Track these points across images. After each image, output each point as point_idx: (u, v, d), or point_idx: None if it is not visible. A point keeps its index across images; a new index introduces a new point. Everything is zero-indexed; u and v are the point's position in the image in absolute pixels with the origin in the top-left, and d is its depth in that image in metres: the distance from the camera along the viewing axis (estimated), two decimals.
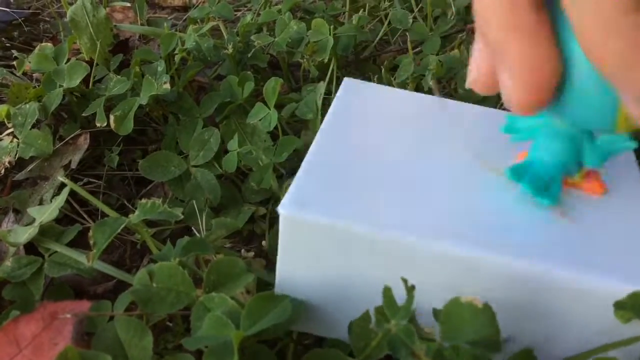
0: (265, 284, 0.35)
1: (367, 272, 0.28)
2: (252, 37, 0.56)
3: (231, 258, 0.29)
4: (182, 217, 0.32)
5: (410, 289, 0.24)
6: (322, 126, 0.34)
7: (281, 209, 0.28)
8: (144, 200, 0.31)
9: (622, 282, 0.25)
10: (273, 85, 0.48)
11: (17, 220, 0.43)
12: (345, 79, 0.40)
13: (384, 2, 0.67)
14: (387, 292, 0.25)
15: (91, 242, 0.30)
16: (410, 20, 0.57)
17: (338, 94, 0.38)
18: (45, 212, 0.36)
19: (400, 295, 0.25)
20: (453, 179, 0.31)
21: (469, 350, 0.22)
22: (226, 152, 0.47)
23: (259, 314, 0.26)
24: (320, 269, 0.29)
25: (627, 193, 0.31)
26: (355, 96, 0.38)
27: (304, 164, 0.31)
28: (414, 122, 0.36)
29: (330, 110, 0.36)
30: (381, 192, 0.29)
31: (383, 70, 0.51)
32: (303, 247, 0.28)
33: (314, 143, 0.33)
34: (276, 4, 0.65)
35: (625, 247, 0.27)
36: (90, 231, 0.30)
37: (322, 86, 0.48)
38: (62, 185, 0.47)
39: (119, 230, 0.30)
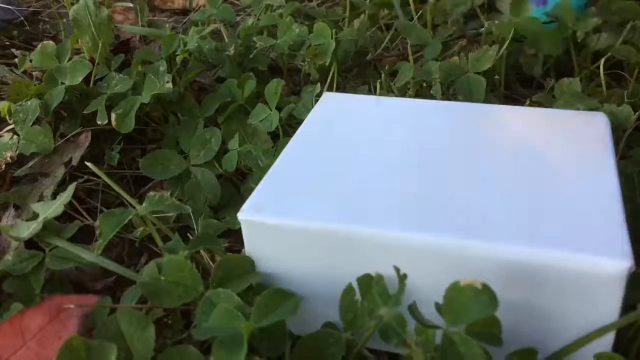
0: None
1: (330, 271, 0.29)
2: (254, 39, 0.56)
3: (240, 255, 0.29)
4: (190, 210, 0.32)
5: (402, 278, 0.24)
6: (295, 136, 0.36)
7: (240, 215, 0.29)
8: (152, 193, 0.32)
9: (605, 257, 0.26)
10: (275, 87, 0.48)
11: (17, 216, 0.43)
12: (325, 93, 0.42)
13: (383, 10, 0.67)
14: (379, 280, 0.25)
15: (97, 232, 0.30)
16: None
17: (316, 105, 0.40)
18: (49, 208, 0.36)
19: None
20: (416, 172, 0.32)
21: (472, 335, 0.23)
22: (226, 152, 0.47)
23: (269, 308, 0.26)
24: (288, 272, 0.30)
25: (598, 172, 0.32)
26: (332, 108, 0.39)
27: (269, 172, 0.32)
28: (384, 125, 0.37)
29: (305, 120, 0.38)
30: (342, 193, 0.30)
31: (383, 75, 0.52)
32: (268, 252, 0.30)
33: (282, 152, 0.34)
34: (276, 9, 0.66)
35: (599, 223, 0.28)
36: (97, 221, 0.31)
37: (319, 87, 0.48)
38: (63, 182, 0.47)
39: (126, 221, 0.30)
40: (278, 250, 0.29)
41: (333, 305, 0.29)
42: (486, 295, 0.23)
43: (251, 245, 0.30)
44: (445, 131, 0.36)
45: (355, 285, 0.28)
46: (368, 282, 0.25)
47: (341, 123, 0.37)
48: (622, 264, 0.25)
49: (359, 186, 0.31)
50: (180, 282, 0.28)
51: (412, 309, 0.25)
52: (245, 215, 0.29)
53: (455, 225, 0.27)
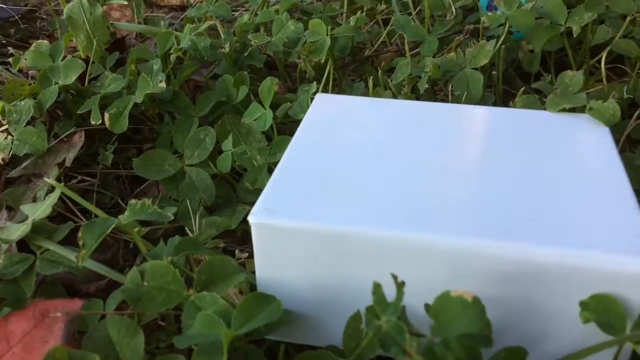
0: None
1: (343, 273, 0.28)
2: (249, 36, 0.56)
3: (223, 257, 0.29)
4: (173, 217, 0.31)
5: (400, 285, 0.24)
6: (294, 138, 0.36)
7: (251, 218, 0.28)
8: (133, 201, 0.31)
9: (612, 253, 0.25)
10: (269, 85, 0.47)
11: (10, 218, 0.43)
12: (318, 94, 0.41)
13: (381, 5, 0.67)
14: (376, 288, 0.25)
15: (80, 243, 0.30)
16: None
17: (310, 107, 0.39)
18: (38, 210, 0.36)
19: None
20: (422, 174, 0.31)
21: (459, 344, 0.22)
22: (221, 152, 0.47)
23: (250, 314, 0.25)
24: (299, 275, 0.29)
25: (601, 170, 0.31)
26: (327, 109, 0.39)
27: (274, 173, 0.32)
28: (382, 127, 0.37)
29: (302, 122, 0.37)
30: (351, 194, 0.30)
31: (380, 72, 0.51)
32: (279, 255, 0.29)
33: (285, 154, 0.34)
34: (273, 5, 0.65)
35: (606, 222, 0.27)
36: (80, 232, 0.30)
37: (314, 86, 0.48)
38: (58, 183, 0.46)
39: (108, 231, 0.30)
40: (291, 256, 0.29)
41: (343, 313, 0.29)
42: (475, 309, 0.23)
43: (263, 252, 0.29)
44: (447, 132, 0.35)
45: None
46: (375, 312, 0.25)
47: (339, 124, 0.37)
48: None
49: (367, 188, 0.30)
50: (163, 287, 0.27)
51: (401, 315, 0.25)
52: (258, 218, 0.28)
53: (476, 227, 0.27)
